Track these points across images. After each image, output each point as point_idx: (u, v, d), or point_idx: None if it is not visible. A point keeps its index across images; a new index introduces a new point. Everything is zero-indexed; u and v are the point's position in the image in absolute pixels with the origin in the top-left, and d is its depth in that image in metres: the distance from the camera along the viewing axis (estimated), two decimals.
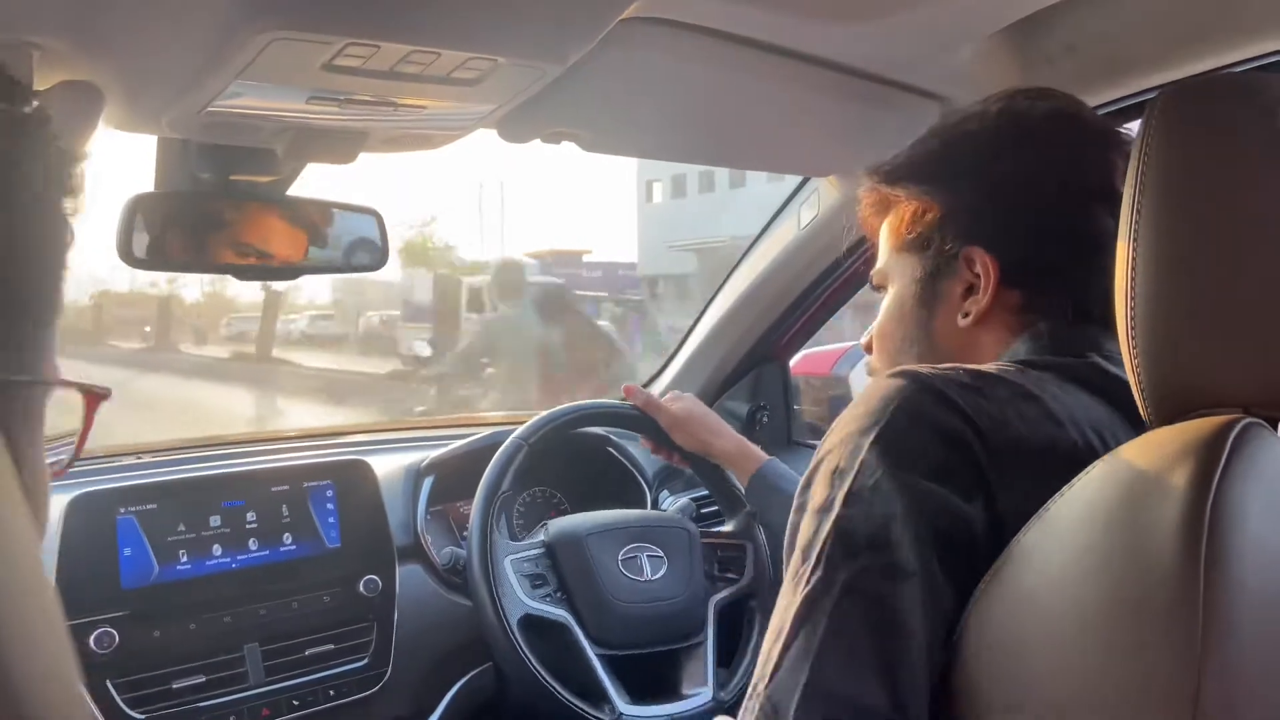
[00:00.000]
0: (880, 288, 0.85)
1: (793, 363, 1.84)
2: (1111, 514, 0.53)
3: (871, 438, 0.61)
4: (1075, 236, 0.72)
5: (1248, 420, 0.52)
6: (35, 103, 0.68)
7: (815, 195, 1.47)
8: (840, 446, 0.63)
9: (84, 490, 1.15)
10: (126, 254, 0.96)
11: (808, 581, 0.59)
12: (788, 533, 0.65)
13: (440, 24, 0.73)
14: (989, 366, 0.68)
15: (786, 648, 0.58)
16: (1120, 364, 0.68)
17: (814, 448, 1.89)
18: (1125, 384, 0.67)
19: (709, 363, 1.76)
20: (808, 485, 0.64)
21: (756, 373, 1.79)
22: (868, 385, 0.67)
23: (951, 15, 0.92)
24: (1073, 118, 0.76)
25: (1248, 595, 0.48)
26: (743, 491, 1.37)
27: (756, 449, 1.34)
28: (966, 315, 0.75)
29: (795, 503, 0.65)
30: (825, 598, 0.58)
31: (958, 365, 0.67)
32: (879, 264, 0.84)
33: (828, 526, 0.60)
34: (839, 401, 2.01)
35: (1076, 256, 0.72)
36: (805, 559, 0.61)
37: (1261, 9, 0.85)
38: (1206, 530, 0.48)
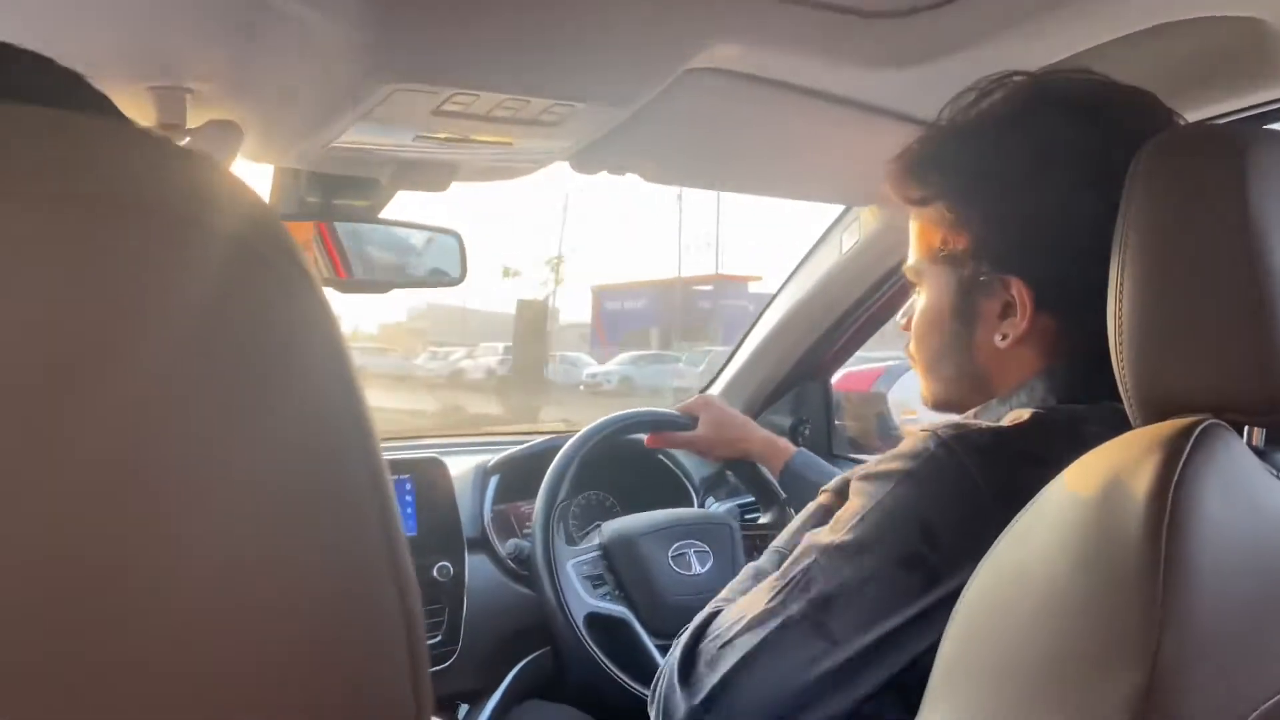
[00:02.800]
0: (914, 285, 0.85)
1: (834, 380, 1.93)
2: (1089, 495, 0.61)
3: (872, 505, 0.72)
4: (1109, 260, 0.71)
5: (1211, 421, 0.60)
6: (186, 139, 0.83)
7: (856, 223, 1.57)
8: (857, 498, 0.74)
9: None
10: None
11: (774, 596, 0.75)
12: (789, 536, 0.78)
13: (530, 76, 0.85)
14: (1008, 420, 0.73)
15: (745, 630, 0.76)
16: None
17: (854, 461, 1.97)
18: None
19: (754, 378, 1.86)
20: (826, 511, 0.78)
21: (799, 389, 1.88)
22: (903, 444, 0.74)
23: (989, 64, 1.03)
24: (1099, 130, 0.73)
25: (1203, 566, 0.56)
26: (777, 484, 1.47)
27: (784, 441, 1.43)
28: (1004, 338, 0.76)
29: (809, 517, 0.79)
30: (774, 618, 0.74)
31: (979, 425, 0.72)
32: (911, 260, 0.83)
33: (805, 564, 0.74)
34: (879, 418, 2.09)
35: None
36: (784, 577, 0.76)
37: (1242, 69, 0.96)
38: (1169, 510, 0.56)
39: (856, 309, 1.71)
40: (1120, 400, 0.74)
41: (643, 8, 0.80)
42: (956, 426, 0.72)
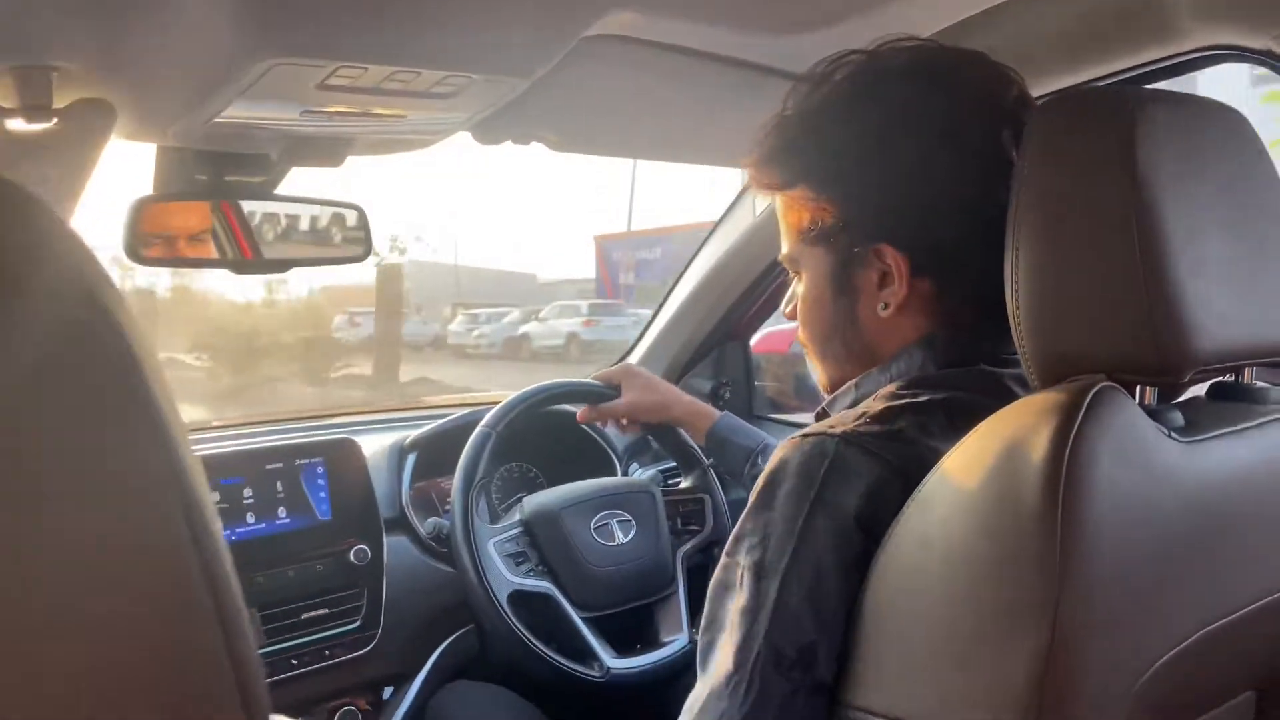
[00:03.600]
0: (794, 274, 0.85)
1: (753, 341, 1.94)
2: (990, 460, 0.62)
3: (799, 529, 0.68)
4: (975, 216, 0.73)
5: (1104, 384, 0.61)
6: (54, 120, 0.78)
7: None
8: (768, 540, 0.69)
9: None
10: (134, 254, 1.05)
11: (745, 695, 0.67)
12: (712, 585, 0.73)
13: (420, 47, 0.82)
14: (882, 401, 0.74)
15: None
16: (1015, 364, 0.76)
17: (775, 422, 1.96)
18: (1011, 394, 0.75)
19: (674, 343, 1.86)
20: (737, 541, 0.71)
21: (719, 351, 1.89)
22: (784, 453, 0.72)
23: (890, 25, 1.03)
24: (944, 94, 0.75)
25: (1099, 526, 0.58)
26: (698, 448, 1.48)
27: (708, 407, 1.43)
28: (886, 306, 0.77)
29: (727, 553, 0.72)
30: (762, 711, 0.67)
31: (869, 420, 0.72)
32: (785, 249, 0.84)
33: (763, 629, 0.67)
34: (797, 378, 2.11)
35: (983, 236, 0.71)
36: (740, 656, 0.67)
37: (1135, 27, 0.97)
38: (1065, 469, 0.57)
39: (772, 269, 1.71)
40: (990, 363, 0.77)
41: None
42: (838, 425, 0.72)
